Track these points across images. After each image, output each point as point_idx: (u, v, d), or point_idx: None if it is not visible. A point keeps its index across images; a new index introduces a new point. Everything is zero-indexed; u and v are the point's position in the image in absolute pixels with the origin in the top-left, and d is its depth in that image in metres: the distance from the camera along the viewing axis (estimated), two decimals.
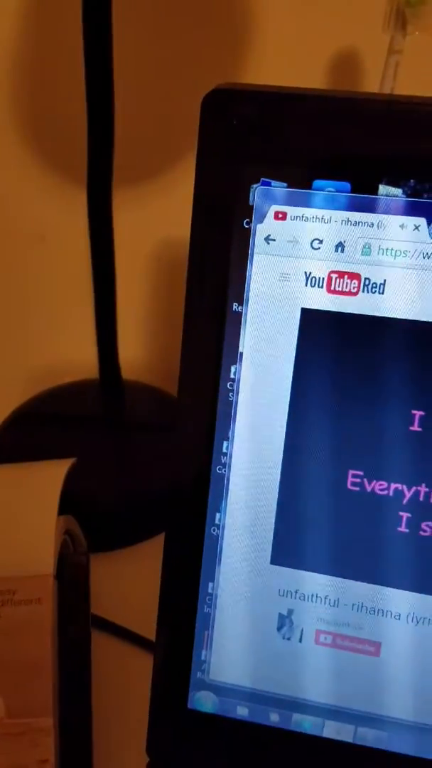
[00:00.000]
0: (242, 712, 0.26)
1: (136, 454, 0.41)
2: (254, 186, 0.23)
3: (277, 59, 0.40)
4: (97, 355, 0.43)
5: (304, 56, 0.39)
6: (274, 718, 0.25)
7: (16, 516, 0.28)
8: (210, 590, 0.25)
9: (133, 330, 0.45)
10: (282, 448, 0.24)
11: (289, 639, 0.25)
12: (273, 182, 0.23)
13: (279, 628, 0.25)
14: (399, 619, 0.24)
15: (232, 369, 0.24)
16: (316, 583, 0.24)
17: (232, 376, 0.24)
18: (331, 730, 0.25)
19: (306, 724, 0.25)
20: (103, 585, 0.32)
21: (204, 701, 0.26)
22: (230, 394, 0.24)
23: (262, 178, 0.23)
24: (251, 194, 0.23)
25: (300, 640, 0.25)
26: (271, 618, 0.25)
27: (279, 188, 0.23)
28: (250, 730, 0.26)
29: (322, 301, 0.23)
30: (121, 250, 0.40)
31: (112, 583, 0.34)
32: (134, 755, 0.26)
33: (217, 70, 0.41)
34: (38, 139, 0.44)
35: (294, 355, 0.23)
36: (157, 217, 0.43)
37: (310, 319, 0.23)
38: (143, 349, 0.47)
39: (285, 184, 0.22)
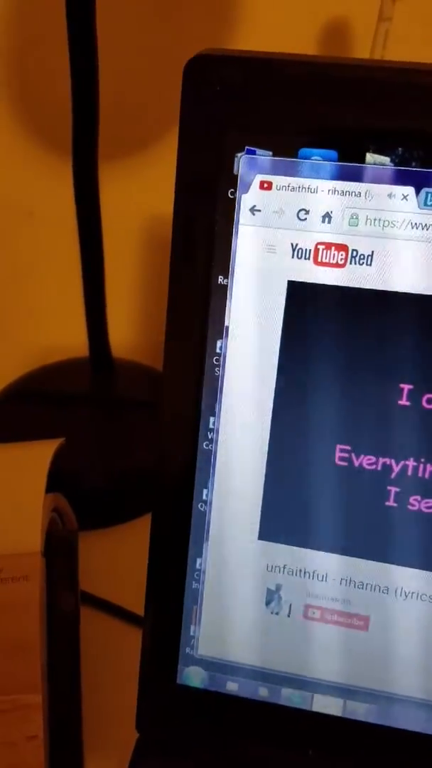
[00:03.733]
0: (231, 687, 0.26)
1: (126, 432, 0.41)
2: (239, 155, 0.22)
3: (266, 27, 0.39)
4: (86, 333, 0.43)
5: (294, 24, 0.39)
6: (263, 692, 0.25)
7: (3, 494, 0.28)
8: (198, 566, 0.25)
9: (122, 308, 0.45)
10: (269, 424, 0.24)
11: (277, 614, 0.25)
12: (258, 151, 0.22)
13: (267, 603, 0.25)
14: (387, 593, 0.24)
15: (218, 343, 0.24)
16: (304, 558, 0.24)
17: (218, 350, 0.24)
18: (320, 704, 0.25)
19: (295, 698, 0.25)
20: (94, 562, 0.32)
21: (193, 677, 0.26)
22: (216, 369, 0.24)
23: (247, 147, 0.22)
24: (236, 163, 0.22)
25: (288, 615, 0.25)
26: (259, 593, 0.25)
27: (264, 157, 0.22)
28: (239, 705, 0.26)
29: (308, 273, 0.22)
30: (110, 226, 0.39)
31: (104, 560, 0.34)
32: (124, 731, 0.26)
33: (206, 39, 0.40)
34: (25, 114, 0.43)
35: (281, 328, 0.23)
36: (146, 192, 0.43)
37: (296, 291, 0.23)
38: (133, 327, 0.47)
39: (270, 153, 0.22)
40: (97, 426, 0.41)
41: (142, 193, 0.43)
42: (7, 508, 0.27)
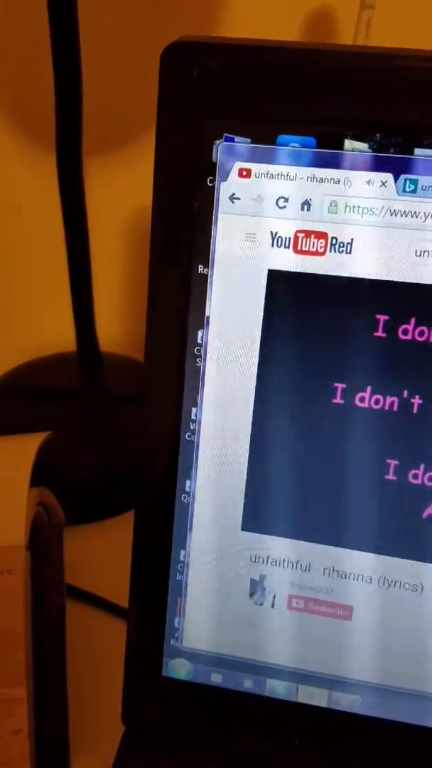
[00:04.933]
0: (216, 678, 0.25)
1: (114, 426, 0.40)
2: (217, 142, 0.22)
3: (249, 15, 0.39)
4: (74, 328, 0.42)
5: (276, 12, 0.38)
6: (247, 684, 0.25)
7: None
8: (182, 558, 0.25)
9: (110, 301, 0.45)
10: (251, 414, 0.24)
11: (261, 605, 0.25)
12: (236, 138, 0.22)
13: (251, 594, 0.25)
14: (370, 582, 0.24)
15: (199, 334, 0.24)
16: (287, 548, 0.24)
17: (198, 341, 0.24)
18: (304, 694, 0.25)
19: (279, 689, 0.25)
20: (79, 556, 0.32)
21: (178, 669, 0.26)
22: (197, 360, 0.24)
23: (225, 134, 0.22)
24: (214, 151, 0.22)
25: (272, 606, 0.25)
26: (243, 584, 0.25)
27: (243, 144, 0.22)
28: (224, 697, 0.25)
29: (288, 261, 0.22)
30: (96, 221, 0.39)
31: (91, 553, 0.34)
32: (110, 724, 0.26)
33: (189, 29, 0.40)
34: (11, 109, 0.42)
35: (261, 317, 0.23)
36: (132, 186, 0.43)
37: (277, 280, 0.23)
38: (121, 320, 0.46)
39: (249, 140, 0.22)
40: (86, 420, 0.41)
41: (128, 187, 0.43)
42: None
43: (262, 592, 0.25)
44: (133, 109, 0.42)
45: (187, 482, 0.25)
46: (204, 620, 0.25)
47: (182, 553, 0.25)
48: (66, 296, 0.43)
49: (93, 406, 0.42)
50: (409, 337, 0.22)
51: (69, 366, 0.44)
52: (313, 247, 0.22)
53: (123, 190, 0.43)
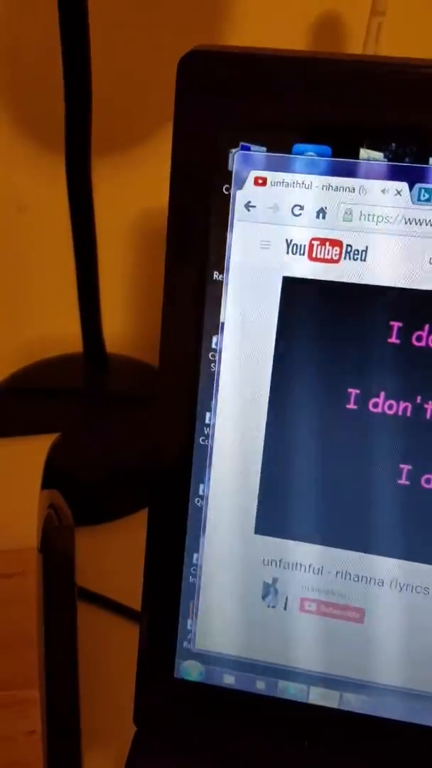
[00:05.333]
0: (228, 680, 0.26)
1: (121, 428, 0.41)
2: (233, 151, 0.22)
3: (258, 22, 0.39)
4: (80, 329, 0.43)
5: (286, 19, 0.39)
6: (260, 685, 0.26)
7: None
8: (195, 560, 0.25)
9: (116, 303, 0.45)
10: (265, 419, 0.24)
11: (274, 607, 0.25)
12: (252, 147, 0.22)
13: (264, 597, 0.25)
14: (382, 585, 0.24)
15: (214, 339, 0.24)
16: (300, 551, 0.24)
17: (213, 346, 0.24)
18: (316, 696, 0.25)
19: (291, 690, 0.25)
20: (90, 558, 0.32)
21: (190, 670, 0.26)
22: (212, 365, 0.24)
23: (242, 143, 0.22)
24: (230, 159, 0.22)
25: (285, 608, 0.25)
26: (255, 587, 0.25)
27: (258, 153, 0.22)
28: (236, 698, 0.26)
29: (303, 269, 0.23)
30: (103, 221, 0.39)
31: (100, 555, 0.34)
32: (122, 725, 0.27)
33: (198, 34, 0.40)
34: (19, 108, 0.43)
35: (276, 324, 0.23)
36: (139, 187, 0.43)
37: (291, 287, 0.23)
38: (127, 321, 0.47)
39: (265, 149, 0.22)
40: (92, 421, 0.41)
41: (135, 188, 0.43)
42: (3, 503, 0.27)
43: (274, 595, 0.25)
44: (141, 111, 0.42)
45: (201, 486, 0.25)
46: (216, 622, 0.25)
47: (195, 556, 0.25)
48: (72, 297, 0.43)
49: (100, 407, 0.42)
50: (422, 343, 0.22)
51: (75, 367, 0.44)
52: (327, 254, 0.22)
53: (130, 192, 0.43)
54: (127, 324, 0.47)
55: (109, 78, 0.35)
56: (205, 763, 0.26)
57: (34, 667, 0.25)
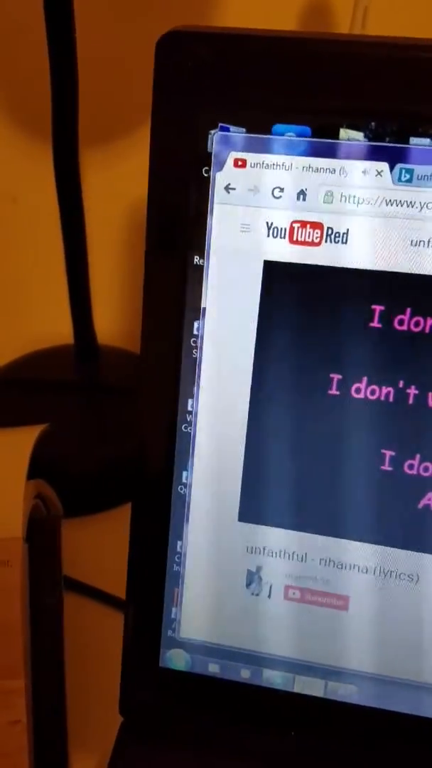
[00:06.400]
0: (213, 669, 0.26)
1: (111, 419, 0.40)
2: (212, 132, 0.22)
3: (245, 6, 0.39)
4: (71, 320, 0.42)
5: (273, 2, 0.38)
6: (244, 674, 0.25)
7: None
8: (179, 548, 0.25)
9: (107, 294, 0.45)
10: (247, 405, 0.24)
11: (257, 595, 0.25)
12: (231, 128, 0.22)
13: (248, 585, 0.25)
14: (366, 572, 0.24)
15: (195, 324, 0.24)
16: (283, 538, 0.24)
17: (195, 332, 0.24)
18: (301, 684, 0.25)
19: (276, 679, 0.25)
20: (79, 549, 0.32)
21: (175, 659, 0.26)
22: (194, 351, 0.24)
23: (221, 124, 0.22)
24: (209, 141, 0.22)
25: (269, 596, 0.25)
26: (239, 575, 0.25)
27: (238, 134, 0.22)
28: (222, 687, 0.26)
29: (284, 252, 0.22)
30: (93, 213, 0.39)
31: (88, 545, 0.34)
32: (108, 715, 0.26)
33: (183, 19, 0.40)
34: (7, 100, 0.42)
35: (258, 308, 0.23)
36: (128, 178, 0.42)
37: (273, 271, 0.22)
38: (118, 313, 0.46)
39: (244, 130, 0.22)
40: (83, 412, 0.41)
41: (124, 179, 0.43)
42: None
43: (258, 583, 0.25)
44: (129, 100, 0.42)
45: (184, 473, 0.25)
46: (201, 611, 0.25)
47: (179, 543, 0.25)
48: (63, 289, 0.42)
49: (90, 398, 0.42)
50: (404, 327, 0.22)
51: (66, 359, 0.44)
52: (308, 237, 0.22)
53: (119, 182, 0.42)
54: (117, 315, 0.46)
55: (96, 68, 0.35)
56: (191, 752, 0.26)
57: (19, 657, 0.25)
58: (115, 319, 0.46)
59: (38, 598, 0.26)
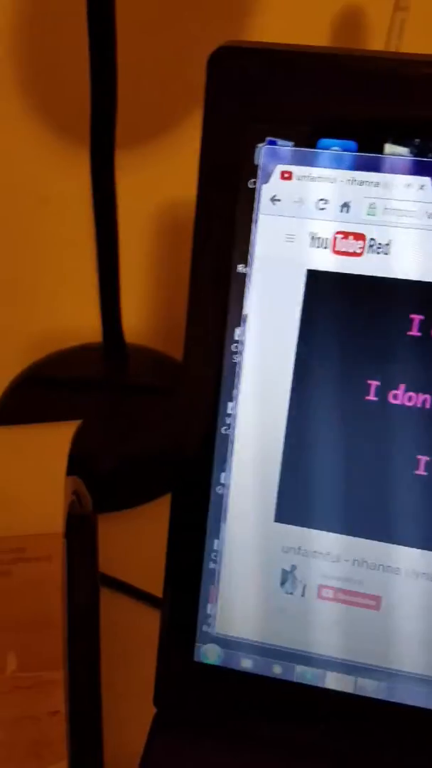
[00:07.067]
0: (246, 664, 0.26)
1: (138, 417, 0.41)
2: (260, 145, 0.23)
3: (281, 17, 0.39)
4: (100, 319, 0.43)
5: (308, 14, 0.39)
6: (277, 670, 0.26)
7: (25, 476, 0.28)
8: (215, 547, 0.26)
9: (135, 293, 0.45)
10: (286, 409, 0.24)
11: (292, 594, 0.25)
12: (279, 141, 0.22)
13: (282, 583, 0.25)
14: (399, 573, 0.24)
15: (237, 331, 0.24)
16: (319, 539, 0.25)
17: (236, 338, 0.24)
18: (332, 681, 0.26)
19: (308, 675, 0.26)
20: (108, 544, 0.32)
21: (210, 654, 0.27)
22: (235, 356, 0.24)
23: (268, 138, 0.22)
24: (257, 154, 0.23)
25: (303, 595, 0.25)
26: (274, 573, 0.25)
27: (285, 147, 0.22)
28: (254, 682, 0.26)
29: (327, 262, 0.23)
30: (124, 213, 0.39)
31: (118, 542, 0.35)
32: (142, 707, 0.27)
33: (220, 28, 0.41)
34: (41, 99, 0.43)
35: (299, 316, 0.24)
36: (160, 178, 0.43)
37: (315, 280, 0.23)
38: (146, 312, 0.47)
39: (291, 143, 0.22)
40: (110, 411, 0.42)
41: (155, 180, 0.43)
42: (29, 489, 0.28)
43: (292, 582, 0.25)
44: (163, 103, 0.43)
45: (222, 474, 0.25)
46: (236, 607, 0.26)
47: (216, 542, 0.26)
48: (92, 288, 0.43)
49: (118, 396, 0.42)
50: None
51: (94, 357, 0.44)
52: (351, 248, 0.23)
53: (151, 184, 0.43)
54: (145, 315, 0.47)
55: (133, 68, 0.36)
56: (223, 745, 0.27)
57: (59, 649, 0.26)
58: (142, 319, 0.47)
59: (75, 593, 0.27)
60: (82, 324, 0.45)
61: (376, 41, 0.37)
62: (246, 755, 0.26)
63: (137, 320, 0.46)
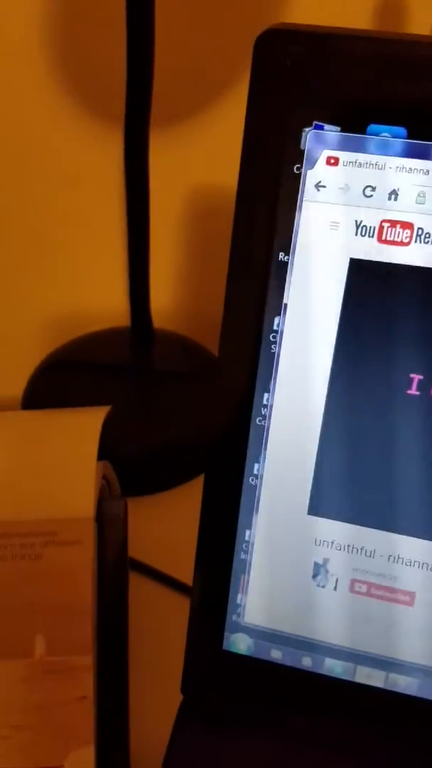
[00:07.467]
0: (276, 655, 0.26)
1: (164, 403, 0.41)
2: (306, 129, 0.22)
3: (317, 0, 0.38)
4: (127, 302, 0.43)
5: None
6: (306, 661, 0.26)
7: (57, 460, 0.28)
8: (247, 537, 0.26)
9: (163, 278, 0.45)
10: (324, 402, 0.24)
11: (323, 587, 0.25)
12: (326, 126, 0.22)
13: (314, 576, 0.25)
14: None
15: (276, 320, 0.24)
16: (352, 534, 0.25)
17: (275, 327, 0.24)
18: (362, 675, 0.25)
19: (337, 668, 0.26)
20: (137, 529, 0.32)
21: (238, 643, 0.26)
22: (273, 346, 0.24)
23: (315, 122, 0.22)
24: (303, 138, 0.22)
25: (335, 588, 0.25)
26: (306, 566, 0.25)
27: (332, 132, 0.22)
28: (282, 673, 0.26)
29: (371, 251, 0.22)
30: (156, 195, 0.39)
31: (147, 526, 0.35)
32: (169, 693, 0.27)
33: (258, 7, 0.40)
34: (73, 78, 0.42)
35: (340, 306, 0.23)
36: (193, 160, 0.43)
37: (358, 269, 0.23)
38: (174, 297, 0.47)
39: (338, 128, 0.22)
40: (139, 396, 0.42)
41: (188, 162, 0.43)
42: (61, 472, 0.28)
43: (324, 575, 0.25)
44: (198, 82, 0.42)
45: (256, 465, 0.25)
46: (266, 598, 0.26)
47: (248, 533, 0.26)
48: (121, 271, 0.43)
49: (146, 382, 0.42)
50: None
51: (122, 341, 0.44)
52: (398, 237, 0.22)
53: (183, 166, 0.43)
54: (173, 300, 0.47)
55: (168, 48, 0.35)
56: (248, 735, 0.27)
57: (88, 634, 0.26)
58: (170, 304, 0.46)
59: (105, 578, 0.27)
60: (109, 307, 0.45)
61: (420, 26, 0.36)
62: (271, 746, 0.26)
63: (165, 305, 0.45)
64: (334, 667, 0.26)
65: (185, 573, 0.27)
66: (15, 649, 0.25)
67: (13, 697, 0.25)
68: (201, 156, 0.43)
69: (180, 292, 0.47)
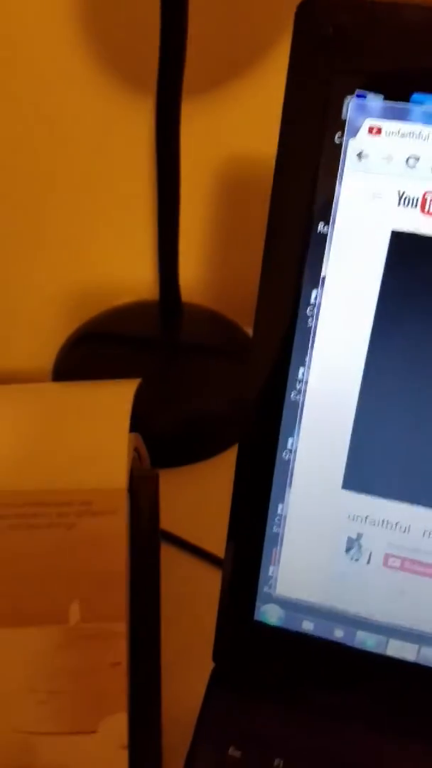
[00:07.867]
0: (307, 626, 0.26)
1: (193, 376, 0.41)
2: (348, 98, 0.21)
3: None
4: (155, 275, 0.43)
5: None
6: (338, 634, 0.26)
7: (90, 431, 0.28)
8: (280, 511, 0.26)
9: (193, 250, 0.45)
10: (361, 377, 0.24)
11: (357, 560, 0.25)
12: (368, 94, 0.21)
13: (347, 550, 0.25)
14: None
15: (313, 293, 0.24)
16: (387, 509, 0.25)
17: (312, 300, 0.24)
18: (394, 648, 0.26)
19: (369, 641, 0.26)
20: (168, 500, 0.33)
21: (270, 614, 0.27)
22: (309, 320, 0.24)
23: (357, 90, 0.21)
24: (345, 107, 0.22)
25: (368, 562, 0.25)
26: (339, 540, 0.25)
27: (375, 101, 0.21)
28: (313, 644, 0.26)
29: (414, 223, 0.22)
30: (186, 166, 0.38)
31: (178, 498, 0.35)
32: (200, 661, 0.28)
33: None
34: (105, 46, 0.42)
35: (380, 280, 0.23)
36: (223, 131, 0.42)
37: (399, 242, 0.22)
38: (202, 270, 0.46)
39: (381, 97, 0.21)
40: (168, 369, 0.42)
41: (220, 133, 0.42)
42: (94, 443, 0.28)
43: (358, 549, 0.25)
44: (231, 48, 0.41)
45: (290, 440, 0.25)
46: (298, 571, 0.26)
47: (280, 506, 0.26)
48: (150, 243, 0.43)
49: (174, 355, 0.42)
50: None
51: (150, 314, 0.44)
52: None
53: (215, 136, 0.42)
54: (201, 273, 0.46)
55: (200, 15, 0.34)
56: (278, 705, 0.27)
57: (122, 602, 0.26)
58: (198, 277, 0.46)
59: (138, 548, 0.28)
60: (138, 279, 0.45)
61: None
62: (301, 717, 0.27)
63: (193, 278, 0.45)
64: (366, 640, 0.26)
65: (215, 544, 0.27)
66: (51, 615, 0.26)
67: (49, 662, 0.26)
68: (233, 126, 0.42)
69: (209, 266, 0.46)
